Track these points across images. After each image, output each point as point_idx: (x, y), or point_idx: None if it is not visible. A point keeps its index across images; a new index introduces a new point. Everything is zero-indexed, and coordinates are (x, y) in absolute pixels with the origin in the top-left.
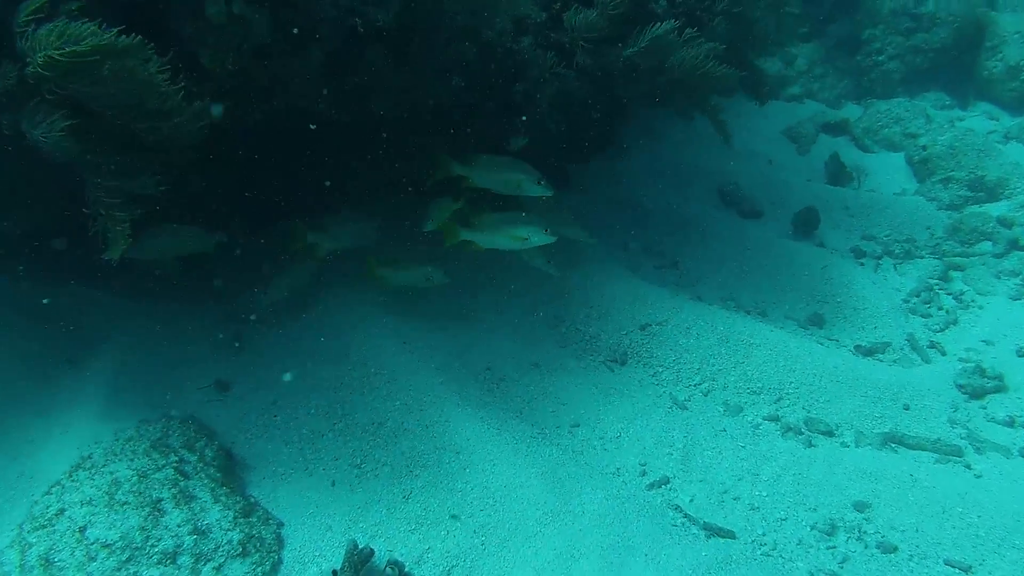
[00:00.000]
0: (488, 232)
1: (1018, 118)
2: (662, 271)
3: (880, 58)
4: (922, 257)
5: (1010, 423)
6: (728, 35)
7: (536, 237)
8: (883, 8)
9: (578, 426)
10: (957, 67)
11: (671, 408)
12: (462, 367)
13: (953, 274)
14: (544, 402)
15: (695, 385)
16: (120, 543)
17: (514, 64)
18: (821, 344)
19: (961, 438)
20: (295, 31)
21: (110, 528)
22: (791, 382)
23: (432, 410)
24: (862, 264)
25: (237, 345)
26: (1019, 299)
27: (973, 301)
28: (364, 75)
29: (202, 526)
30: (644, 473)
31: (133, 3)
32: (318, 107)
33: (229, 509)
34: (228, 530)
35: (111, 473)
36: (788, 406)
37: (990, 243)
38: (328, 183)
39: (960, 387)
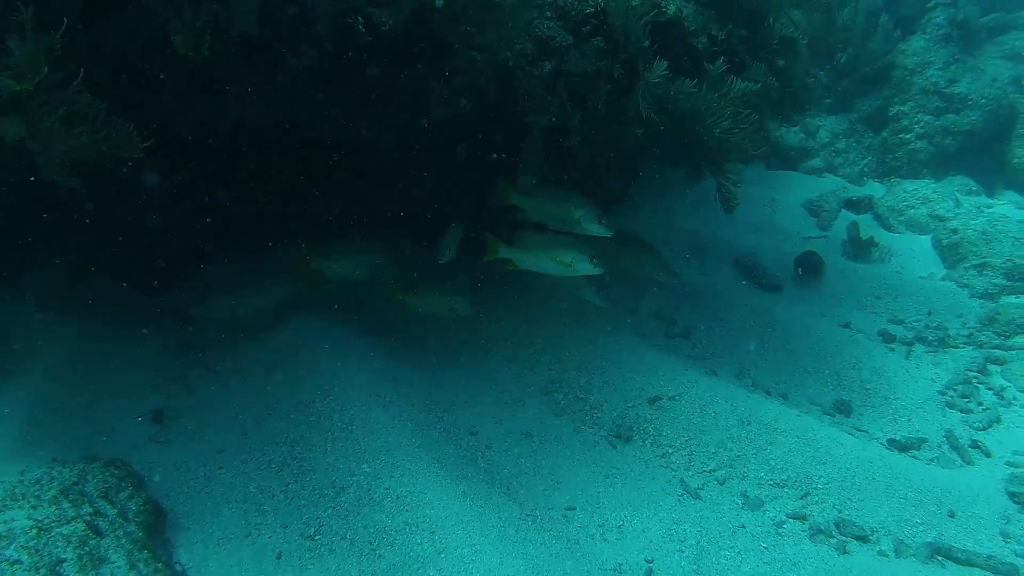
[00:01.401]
0: (530, 252)
1: None
2: (673, 340)
3: (907, 136)
4: (957, 347)
5: None
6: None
7: (581, 265)
8: (914, 85)
9: (574, 510)
10: (985, 152)
11: (682, 496)
12: (443, 430)
13: (992, 368)
14: (536, 479)
15: (710, 471)
16: None
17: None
18: (852, 435)
19: (1017, 555)
20: (286, 24)
21: None
22: (820, 476)
23: (405, 479)
24: (892, 349)
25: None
26: None
27: (1015, 399)
28: (360, 86)
29: None
30: (650, 572)
31: None
32: (301, 119)
33: None
34: None
35: (5, 522)
36: (816, 504)
37: None
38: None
39: (1012, 495)
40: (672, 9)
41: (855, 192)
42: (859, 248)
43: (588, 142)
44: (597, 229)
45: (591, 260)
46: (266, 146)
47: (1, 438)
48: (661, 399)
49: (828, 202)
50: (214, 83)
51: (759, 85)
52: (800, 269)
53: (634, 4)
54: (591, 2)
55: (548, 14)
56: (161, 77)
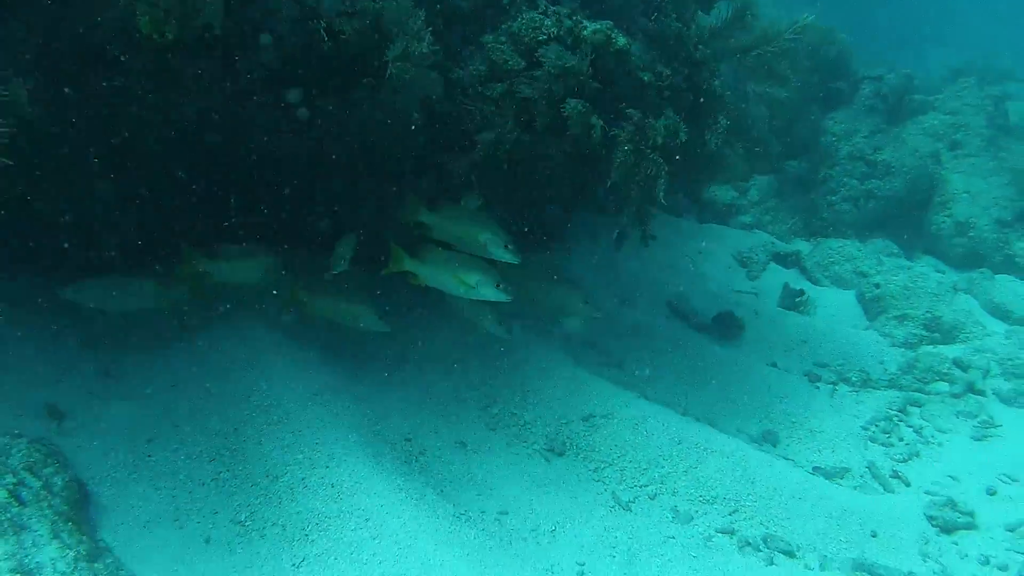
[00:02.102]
0: (435, 268)
1: (963, 272)
2: (606, 369)
3: (833, 198)
4: (879, 388)
5: (985, 562)
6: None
7: (486, 289)
8: (841, 151)
9: (506, 514)
10: (906, 218)
11: (613, 508)
12: (378, 433)
13: (912, 409)
14: (468, 485)
15: (641, 487)
16: None
17: (480, 113)
18: (780, 459)
19: (935, 574)
20: (248, 22)
21: None
22: (748, 494)
23: (341, 469)
24: (817, 388)
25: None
26: (981, 439)
27: (933, 437)
28: (316, 89)
29: (30, 564)
30: (582, 574)
31: None
32: (255, 120)
33: (70, 549)
34: (64, 574)
35: None
36: (745, 520)
37: (947, 384)
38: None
39: (930, 519)
40: (622, 41)
41: (783, 248)
42: (790, 299)
43: (530, 160)
44: (503, 254)
45: (497, 285)
46: (195, 145)
47: None
48: (595, 417)
49: (757, 254)
50: (174, 72)
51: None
52: (719, 328)
53: (585, 33)
54: (544, 31)
55: (503, 39)
56: (122, 59)
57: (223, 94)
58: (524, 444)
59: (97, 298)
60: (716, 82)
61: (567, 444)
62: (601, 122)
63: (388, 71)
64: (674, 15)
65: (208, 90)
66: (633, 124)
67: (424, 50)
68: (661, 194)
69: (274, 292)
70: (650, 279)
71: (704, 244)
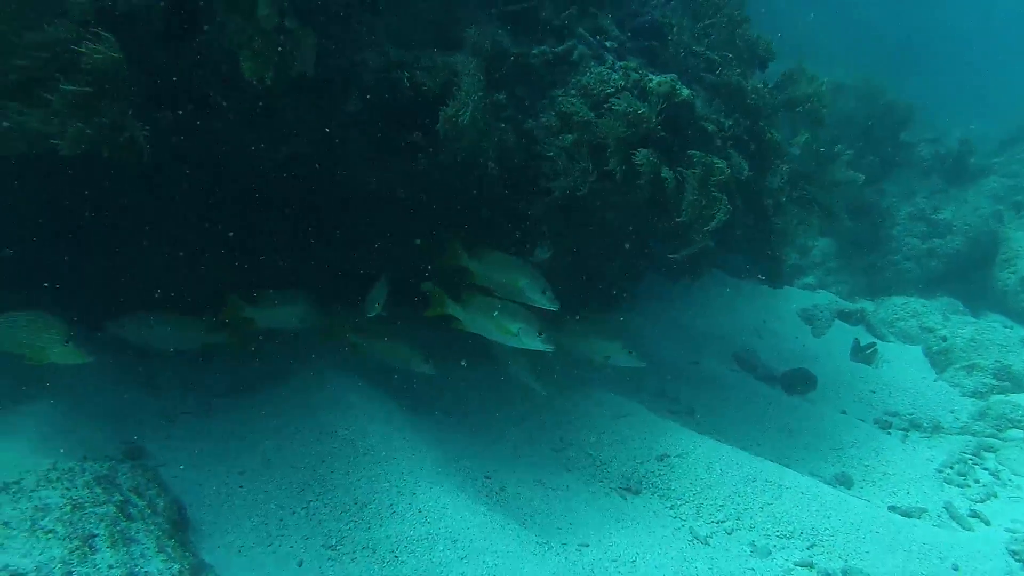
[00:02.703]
0: (476, 314)
1: None
2: (677, 416)
3: (896, 258)
4: (952, 434)
5: None
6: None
7: (528, 338)
8: (901, 211)
9: (587, 546)
10: (969, 276)
11: (692, 541)
12: (459, 471)
13: (986, 454)
14: (549, 517)
15: (718, 522)
16: (33, 574)
17: (551, 162)
18: (855, 497)
19: None
20: (337, 69)
21: (24, 556)
22: (826, 529)
23: (426, 495)
24: (889, 434)
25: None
26: None
27: (1011, 480)
28: (399, 133)
29: (139, 573)
30: None
31: None
32: (338, 170)
33: (175, 562)
34: None
35: (40, 499)
36: (823, 554)
37: (1020, 431)
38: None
39: (1014, 554)
40: (685, 93)
41: (847, 306)
42: (860, 352)
43: (600, 209)
44: (540, 300)
45: (539, 334)
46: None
47: (29, 437)
48: (669, 456)
49: (822, 312)
50: (270, 115)
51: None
52: (790, 381)
53: (651, 85)
54: (612, 84)
55: (573, 92)
56: (223, 104)
57: (313, 138)
58: (601, 483)
59: (143, 335)
60: (775, 132)
61: (643, 482)
62: (672, 173)
63: (460, 119)
64: (737, 71)
65: (299, 134)
66: (700, 164)
67: (481, 101)
68: (715, 223)
69: (326, 335)
70: (716, 335)
71: (770, 307)
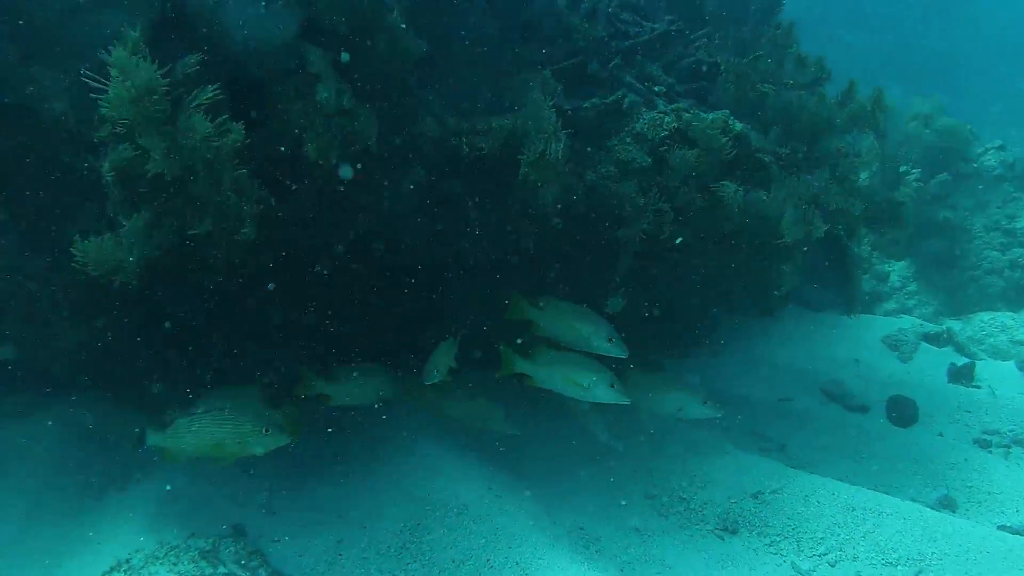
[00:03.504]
0: (546, 369)
1: None
2: (769, 453)
3: (977, 272)
4: None
5: None
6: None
7: (601, 391)
8: (975, 224)
9: None
10: None
11: None
12: (552, 524)
13: None
14: (648, 565)
15: (820, 555)
16: None
17: (617, 207)
18: (960, 518)
19: None
20: (398, 142)
21: None
22: (933, 553)
23: (523, 548)
24: (990, 453)
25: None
26: None
27: None
28: (463, 201)
29: None
30: None
31: (241, 81)
32: (404, 238)
33: None
34: None
35: (148, 575)
36: None
37: None
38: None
39: None
40: (739, 127)
41: (932, 328)
42: (961, 376)
43: (670, 252)
44: (607, 348)
45: (611, 386)
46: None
47: (139, 518)
48: (763, 493)
49: (907, 337)
50: (338, 196)
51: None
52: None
53: (703, 125)
54: (665, 127)
55: (628, 140)
56: (293, 187)
57: (379, 212)
58: (697, 525)
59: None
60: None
61: (739, 521)
62: (766, 194)
63: (523, 172)
64: (790, 96)
65: (366, 209)
66: (785, 185)
67: (558, 151)
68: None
69: (408, 397)
70: (799, 369)
71: (852, 336)
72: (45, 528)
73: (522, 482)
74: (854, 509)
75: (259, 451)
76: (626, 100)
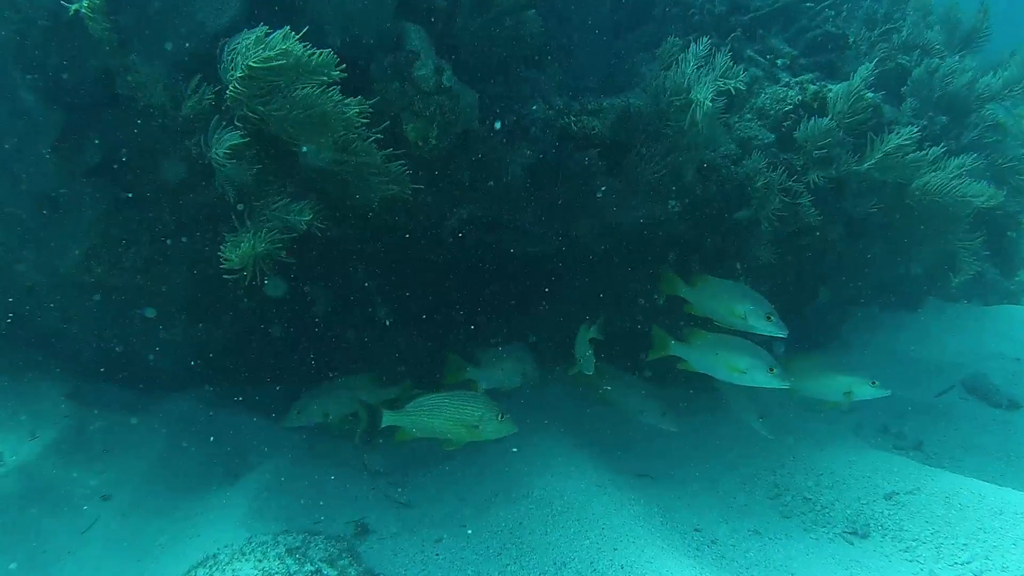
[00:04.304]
0: (701, 352)
1: None
2: (904, 451)
3: None
4: None
5: None
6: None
7: (757, 374)
8: None
9: None
10: None
11: None
12: (665, 524)
13: None
14: (767, 569)
15: (963, 563)
16: None
17: (737, 188)
18: None
19: None
20: (503, 124)
21: None
22: None
23: (630, 550)
24: None
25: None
26: None
27: None
28: (573, 184)
29: None
30: None
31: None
32: (516, 222)
33: None
34: None
35: (233, 571)
36: None
37: None
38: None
39: None
40: (870, 97)
41: None
42: None
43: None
44: (765, 326)
45: (770, 369)
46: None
47: (234, 513)
48: (898, 494)
49: None
50: (440, 179)
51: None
52: None
53: (830, 96)
54: (789, 100)
55: (748, 116)
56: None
57: (488, 197)
58: (823, 528)
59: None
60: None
61: (870, 525)
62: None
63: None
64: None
65: (473, 192)
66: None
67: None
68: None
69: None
70: (938, 363)
71: (998, 328)
72: (147, 520)
73: (638, 479)
74: (1002, 512)
75: (490, 436)
76: (746, 74)
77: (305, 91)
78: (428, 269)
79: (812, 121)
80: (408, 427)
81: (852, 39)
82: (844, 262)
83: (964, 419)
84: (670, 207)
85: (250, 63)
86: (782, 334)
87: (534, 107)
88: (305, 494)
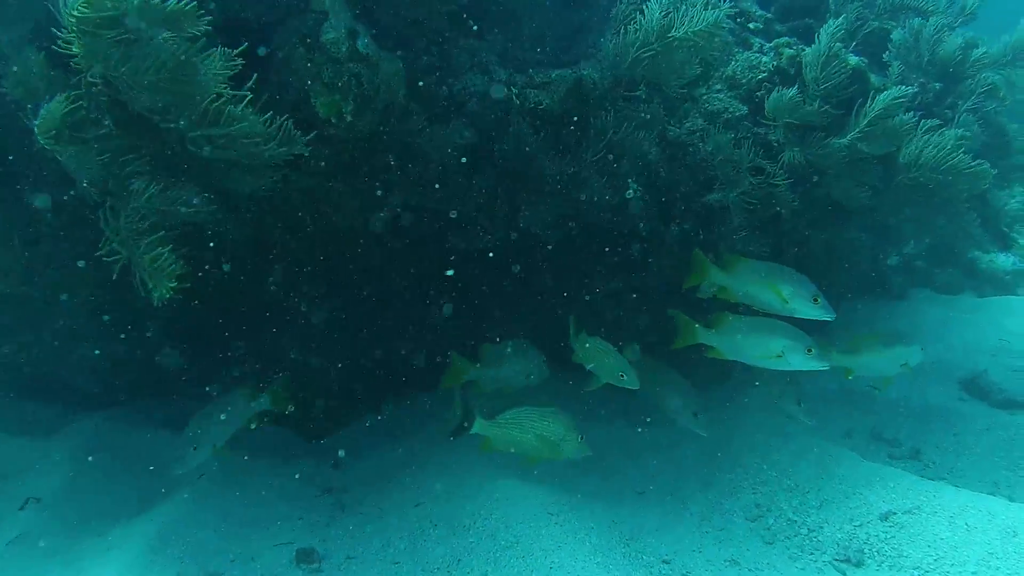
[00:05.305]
0: (732, 337)
1: None
2: (900, 461)
3: None
4: None
5: None
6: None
7: (798, 357)
8: None
9: None
10: None
11: None
12: (628, 556)
13: None
14: None
15: None
16: None
17: (705, 168)
18: None
19: None
20: (436, 103)
21: None
22: None
23: None
24: None
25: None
26: None
27: None
28: (518, 167)
29: None
30: None
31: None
32: (453, 212)
33: None
34: None
35: None
36: None
37: None
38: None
39: None
40: (853, 60)
41: None
42: None
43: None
44: (811, 311)
45: (808, 351)
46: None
47: (128, 553)
48: (896, 514)
49: None
50: (362, 163)
51: (970, 131)
52: None
53: (808, 58)
54: (763, 67)
55: (717, 87)
56: (305, 154)
57: (421, 184)
58: (811, 556)
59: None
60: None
61: (865, 551)
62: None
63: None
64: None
65: (403, 181)
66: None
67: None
68: None
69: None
70: (933, 360)
71: (995, 322)
72: (34, 565)
73: (599, 504)
74: (1016, 534)
75: (569, 456)
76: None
77: (154, 45)
78: (364, 270)
79: (777, 92)
80: (496, 438)
81: (832, 4)
82: (829, 251)
83: (964, 422)
84: (631, 191)
85: (74, 12)
86: (830, 317)
87: (472, 80)
88: (223, 523)
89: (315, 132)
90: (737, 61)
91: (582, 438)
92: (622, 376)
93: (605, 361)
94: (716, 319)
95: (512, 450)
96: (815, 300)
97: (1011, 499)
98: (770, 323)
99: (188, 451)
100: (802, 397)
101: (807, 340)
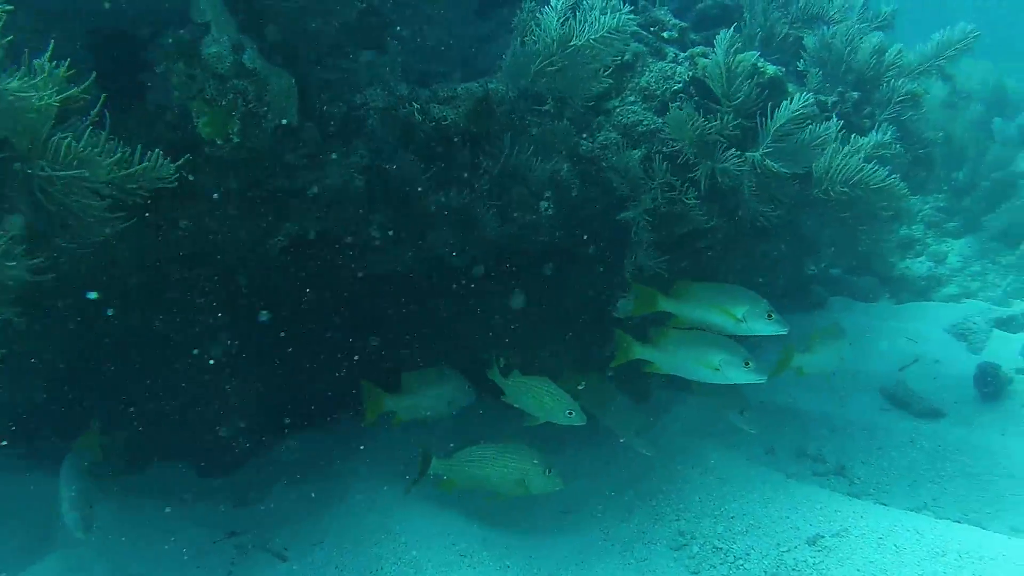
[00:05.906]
0: (670, 353)
1: None
2: (825, 478)
3: None
4: None
5: None
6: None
7: (734, 371)
8: None
9: None
10: None
11: None
12: None
13: None
14: None
15: None
16: None
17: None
18: None
19: None
20: (332, 121)
21: None
22: None
23: None
24: None
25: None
26: None
27: None
28: (419, 188)
29: None
30: None
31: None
32: (357, 237)
33: None
34: None
35: None
36: None
37: None
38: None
39: None
40: (771, 70)
41: (1005, 312)
42: None
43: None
44: (766, 327)
45: (745, 364)
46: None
47: None
48: (823, 537)
49: (975, 324)
50: (253, 188)
51: (888, 139)
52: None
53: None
54: (678, 78)
55: (631, 98)
56: (190, 178)
57: (318, 208)
58: None
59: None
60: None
61: None
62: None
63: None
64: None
65: (300, 204)
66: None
67: None
68: None
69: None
70: (852, 371)
71: (912, 328)
72: None
73: (519, 536)
74: (945, 553)
75: (536, 491)
76: (628, 51)
77: None
78: (266, 300)
79: (674, 109)
80: (455, 477)
81: (748, 12)
82: (748, 265)
83: (888, 434)
84: (542, 209)
85: None
86: (784, 331)
87: (371, 95)
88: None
89: (187, 156)
90: (651, 71)
91: (550, 471)
92: (570, 414)
93: (544, 401)
94: (654, 335)
95: (475, 489)
96: (769, 316)
97: (937, 516)
98: (707, 337)
99: (85, 510)
100: (746, 407)
101: (744, 353)
